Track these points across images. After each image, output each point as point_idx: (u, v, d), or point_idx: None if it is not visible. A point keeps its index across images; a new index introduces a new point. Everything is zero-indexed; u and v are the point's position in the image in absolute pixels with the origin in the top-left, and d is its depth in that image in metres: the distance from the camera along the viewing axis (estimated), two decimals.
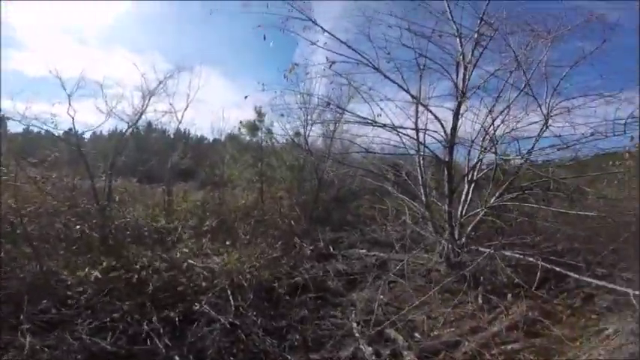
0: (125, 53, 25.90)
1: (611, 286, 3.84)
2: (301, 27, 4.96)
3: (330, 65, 5.08)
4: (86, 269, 3.66)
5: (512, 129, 5.30)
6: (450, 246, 5.26)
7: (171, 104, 7.38)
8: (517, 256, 4.59)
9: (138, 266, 3.82)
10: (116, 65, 25.69)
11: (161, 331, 3.27)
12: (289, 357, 3.31)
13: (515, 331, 3.80)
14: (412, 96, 5.46)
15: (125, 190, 7.37)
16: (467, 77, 5.22)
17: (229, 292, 3.96)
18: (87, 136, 8.34)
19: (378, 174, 7.06)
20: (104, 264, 3.71)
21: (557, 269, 4.18)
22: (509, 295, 4.48)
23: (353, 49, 5.04)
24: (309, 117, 8.57)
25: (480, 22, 5.01)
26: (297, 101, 7.44)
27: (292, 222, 7.72)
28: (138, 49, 31.13)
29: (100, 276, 3.58)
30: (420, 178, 5.95)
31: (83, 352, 2.96)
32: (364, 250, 6.56)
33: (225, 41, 31.21)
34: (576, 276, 4.04)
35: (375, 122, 5.41)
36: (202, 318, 3.57)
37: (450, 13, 5.22)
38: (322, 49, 5.04)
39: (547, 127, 4.94)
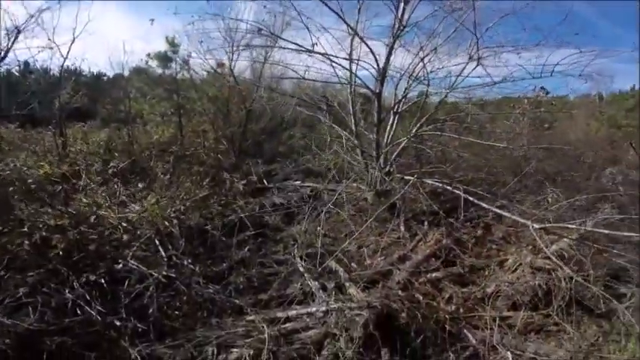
0: None
1: (514, 217, 4.10)
2: None
3: None
4: None
5: (438, 68, 5.51)
6: (377, 174, 5.58)
7: (50, 39, 5.85)
8: (436, 183, 5.00)
9: (34, 227, 3.16)
10: None
11: (87, 297, 2.86)
12: (236, 301, 3.24)
13: (435, 259, 4.15)
14: (349, 26, 5.22)
15: (1, 137, 5.90)
16: (405, 14, 5.19)
17: (157, 242, 3.61)
18: None
19: (311, 103, 6.85)
20: None
21: (467, 197, 4.46)
22: (426, 223, 4.87)
23: None
24: (234, 45, 7.58)
25: None
26: (220, 28, 6.45)
27: (219, 156, 7.23)
28: None
29: None
30: (350, 108, 6.00)
31: (7, 336, 2.48)
32: (299, 182, 6.52)
33: None
34: (485, 205, 4.34)
35: (310, 50, 5.12)
36: (132, 275, 3.22)
37: None
38: None
39: (470, 69, 5.26)
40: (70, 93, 6.54)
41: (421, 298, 3.33)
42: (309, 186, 6.20)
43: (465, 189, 4.67)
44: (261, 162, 7.75)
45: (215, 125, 8.30)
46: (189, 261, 3.52)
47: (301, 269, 3.75)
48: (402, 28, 5.20)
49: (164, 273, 3.25)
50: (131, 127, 6.89)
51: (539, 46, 4.87)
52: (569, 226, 3.74)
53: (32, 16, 5.69)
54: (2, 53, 5.65)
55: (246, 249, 4.15)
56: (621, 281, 3.84)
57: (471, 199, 4.47)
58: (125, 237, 3.56)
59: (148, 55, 9.16)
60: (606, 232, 3.55)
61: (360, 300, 3.16)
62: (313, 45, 5.07)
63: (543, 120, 8.41)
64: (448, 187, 4.78)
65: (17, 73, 7.81)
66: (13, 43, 5.69)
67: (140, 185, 4.64)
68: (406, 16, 5.23)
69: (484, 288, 3.76)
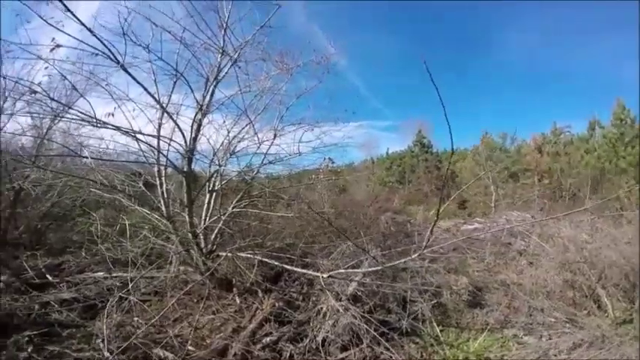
0: None
1: (310, 272, 4.71)
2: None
3: (53, 48, 3.91)
4: None
5: (247, 145, 6.10)
6: (197, 255, 5.33)
7: None
8: (249, 255, 5.24)
9: None
10: None
11: None
12: None
13: (268, 323, 4.33)
14: (156, 100, 5.02)
15: None
16: (213, 92, 5.53)
17: None
18: None
19: (110, 185, 5.99)
20: None
21: (277, 263, 5.00)
22: (259, 292, 5.09)
23: (93, 34, 4.06)
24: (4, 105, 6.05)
25: (242, 45, 5.44)
26: None
27: None
28: None
29: None
30: (159, 188, 5.58)
31: None
32: (102, 273, 5.59)
33: None
34: (289, 267, 4.94)
35: (106, 123, 4.44)
36: None
37: (225, 29, 5.34)
38: (55, 28, 3.78)
39: (271, 146, 6.07)
40: None
41: None
42: (116, 276, 5.25)
43: (280, 256, 5.19)
44: (43, 254, 6.18)
45: None
46: None
47: None
48: (206, 106, 5.42)
49: None
50: None
51: (321, 122, 6.14)
52: (347, 270, 4.60)
53: None
54: None
55: (29, 349, 3.43)
56: (410, 302, 5.03)
57: (277, 264, 4.95)
58: None
59: None
60: (373, 269, 4.59)
61: None
62: (108, 115, 4.48)
63: (337, 186, 10.67)
64: (258, 257, 5.10)
65: None
66: None
67: None
68: (212, 95, 5.51)
69: (315, 338, 4.12)
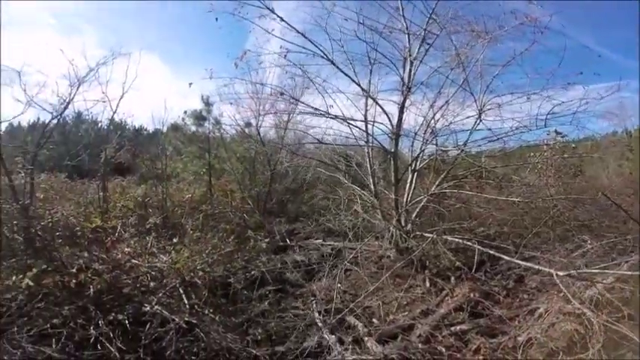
0: (50, 36, 22.35)
1: (537, 267, 4.16)
2: (256, 14, 4.88)
3: (285, 55, 5.08)
4: (13, 276, 3.24)
5: (451, 122, 5.77)
6: (397, 232, 5.59)
7: (104, 93, 6.49)
8: (456, 240, 4.98)
9: (74, 269, 3.46)
10: (39, 50, 22.01)
11: (111, 334, 3.05)
12: (253, 351, 3.26)
13: (460, 312, 4.13)
14: (362, 89, 5.66)
15: (51, 186, 6.56)
16: (412, 73, 5.53)
17: (181, 291, 3.79)
18: (2, 128, 6.97)
19: (330, 164, 7.19)
20: (34, 269, 3.32)
21: (488, 251, 4.57)
22: (453, 278, 4.87)
23: (309, 40, 5.08)
24: (261, 107, 8.41)
25: (428, 21, 5.33)
26: (248, 90, 7.25)
27: (245, 215, 7.58)
28: (66, 32, 27.09)
29: (30, 283, 3.19)
30: (369, 168, 6.21)
31: None
32: (320, 240, 6.68)
33: (171, 26, 28.66)
34: (507, 258, 4.38)
35: (328, 114, 5.54)
36: (154, 319, 3.37)
37: (402, 10, 5.49)
38: (277, 38, 5.02)
39: (480, 121, 5.44)
40: (116, 147, 7.08)
41: (444, 350, 3.29)
42: (329, 244, 6.30)
43: (487, 243, 4.67)
44: (285, 221, 8.09)
45: (242, 185, 8.85)
46: (211, 310, 3.64)
47: (319, 323, 3.75)
48: (409, 88, 5.51)
49: (185, 319, 3.35)
50: (166, 185, 7.43)
51: (545, 90, 4.96)
52: (595, 271, 3.58)
53: (92, 70, 5.91)
54: (65, 104, 5.66)
55: (266, 302, 4.26)
56: None
57: (491, 252, 4.45)
58: (152, 284, 3.78)
59: (185, 112, 9.98)
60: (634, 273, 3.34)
61: (377, 353, 3.15)
62: (329, 108, 5.44)
63: (570, 166, 8.22)
64: (468, 243, 4.74)
65: (71, 124, 8.54)
66: (74, 94, 5.75)
67: (171, 240, 4.93)
68: (412, 76, 5.52)
69: (516, 337, 3.59)
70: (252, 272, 4.85)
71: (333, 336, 3.51)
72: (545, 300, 4.03)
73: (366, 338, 3.52)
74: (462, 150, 5.64)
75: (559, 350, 3.36)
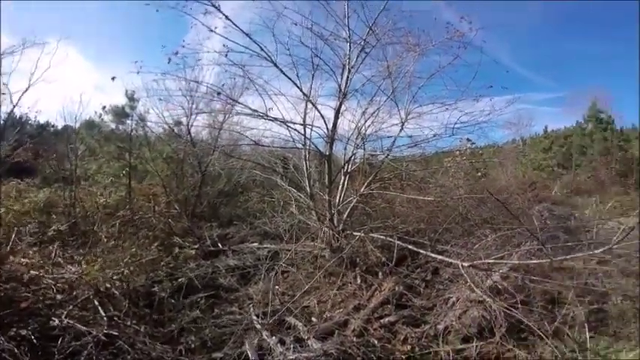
0: None
1: (447, 259, 4.53)
2: (201, 11, 4.73)
3: (226, 54, 4.95)
4: None
5: (379, 129, 6.22)
6: (330, 232, 5.79)
7: (5, 84, 5.60)
8: (381, 237, 5.35)
9: None
10: None
11: (16, 350, 2.72)
12: (187, 359, 3.16)
13: (388, 305, 4.43)
14: (303, 93, 5.80)
15: None
16: (349, 80, 5.87)
17: (96, 303, 3.49)
18: None
19: (267, 167, 7.15)
20: None
21: (408, 246, 4.98)
22: (380, 273, 5.19)
23: (253, 41, 5.03)
24: (194, 105, 7.98)
25: (368, 31, 5.66)
26: (182, 88, 6.84)
27: (171, 220, 7.07)
28: None
29: None
30: (305, 170, 6.34)
31: None
32: (256, 244, 6.59)
33: (99, 16, 25.27)
34: (424, 252, 4.83)
35: (267, 116, 5.53)
36: (66, 333, 3.07)
37: (348, 19, 5.75)
38: (219, 36, 4.88)
39: (403, 129, 5.98)
40: (13, 144, 6.11)
41: (376, 342, 3.54)
42: (266, 247, 6.25)
43: (407, 239, 5.11)
44: (217, 225, 7.76)
45: (168, 188, 8.22)
46: (134, 321, 3.43)
47: (258, 326, 3.74)
48: (344, 94, 5.81)
49: (105, 331, 3.12)
50: (75, 188, 6.55)
51: (460, 101, 5.60)
52: (493, 261, 4.15)
53: None
54: None
55: (197, 310, 4.10)
56: (559, 304, 4.28)
57: (411, 247, 4.89)
58: (59, 297, 3.42)
59: (104, 107, 9.15)
60: (529, 262, 4.00)
61: (317, 350, 3.26)
62: (267, 110, 5.46)
63: (476, 169, 9.50)
64: (391, 240, 5.12)
65: None
66: None
67: (81, 249, 4.39)
68: (348, 83, 5.82)
69: (436, 325, 3.98)
70: (179, 280, 4.59)
71: (274, 337, 3.54)
72: (456, 290, 4.48)
73: (306, 337, 3.61)
74: (387, 155, 6.12)
75: (472, 336, 3.81)
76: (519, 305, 3.95)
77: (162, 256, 5.01)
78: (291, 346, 3.39)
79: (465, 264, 4.00)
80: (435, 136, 5.95)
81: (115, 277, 3.75)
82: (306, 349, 3.31)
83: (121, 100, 9.12)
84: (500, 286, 4.34)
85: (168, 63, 4.93)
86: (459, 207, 6.36)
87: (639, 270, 5.04)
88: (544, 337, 3.60)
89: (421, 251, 4.85)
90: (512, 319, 3.80)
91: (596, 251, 3.83)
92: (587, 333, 3.95)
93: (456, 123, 5.70)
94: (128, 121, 9.06)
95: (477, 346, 3.67)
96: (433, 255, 4.70)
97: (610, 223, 6.79)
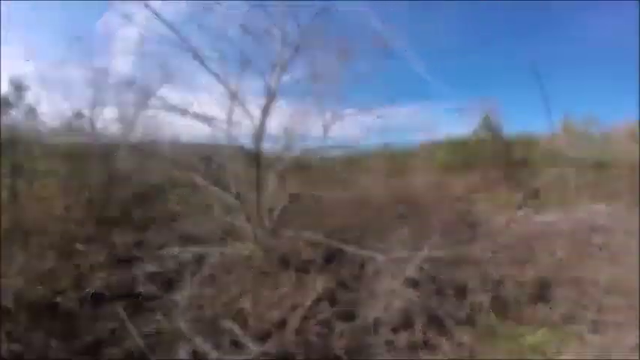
0: None
1: (370, 254, 4.88)
2: None
3: (143, 43, 4.51)
4: None
5: (308, 129, 6.38)
6: (261, 232, 5.73)
7: None
8: (312, 236, 5.50)
9: None
10: None
11: None
12: None
13: (322, 301, 4.53)
14: (229, 90, 5.59)
15: None
16: (279, 80, 5.86)
17: None
18: None
19: (188, 166, 6.69)
20: None
21: (339, 244, 5.23)
22: (312, 271, 5.24)
23: (176, 33, 4.71)
24: (99, 96, 7.03)
25: (302, 33, 5.70)
26: (86, 77, 5.97)
27: (72, 226, 6.13)
28: None
29: None
30: (230, 170, 6.11)
31: None
32: (177, 248, 6.12)
33: None
34: (350, 248, 5.11)
35: (188, 112, 5.26)
36: None
37: (281, 19, 5.70)
38: (136, 24, 4.40)
39: (329, 131, 6.23)
40: None
41: (315, 339, 3.68)
42: (190, 251, 5.86)
43: (336, 236, 5.39)
44: (130, 230, 6.96)
45: (66, 190, 7.08)
46: (38, 336, 3.11)
47: (188, 333, 3.56)
48: (274, 94, 5.82)
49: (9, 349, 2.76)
50: None
51: (380, 106, 6.05)
52: (408, 253, 4.64)
53: None
54: None
55: (115, 320, 3.79)
56: (470, 291, 4.89)
57: (339, 244, 5.17)
58: None
59: None
60: (434, 254, 4.51)
61: (256, 352, 3.28)
62: (190, 105, 5.26)
63: (394, 171, 10.45)
64: (320, 238, 5.35)
65: None
66: None
67: None
68: (278, 83, 5.84)
69: (366, 318, 4.24)
70: (87, 290, 4.14)
71: (209, 343, 3.42)
72: (378, 283, 4.80)
73: (243, 340, 3.56)
74: (316, 155, 6.33)
75: (399, 326, 4.17)
76: (434, 295, 4.49)
77: (63, 265, 4.35)
78: (229, 349, 3.35)
79: (383, 257, 4.32)
80: (358, 138, 6.37)
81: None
82: (245, 352, 3.28)
83: (4, 89, 7.55)
84: (416, 278, 4.83)
85: (70, 49, 4.31)
86: (380, 205, 6.92)
87: None
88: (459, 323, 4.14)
89: (348, 248, 5.10)
90: (431, 309, 4.27)
91: (487, 242, 4.54)
92: (493, 318, 4.65)
93: (377, 127, 6.22)
94: (13, 112, 7.53)
95: (404, 335, 4.03)
96: (359, 251, 4.99)
97: (498, 217, 8.10)
